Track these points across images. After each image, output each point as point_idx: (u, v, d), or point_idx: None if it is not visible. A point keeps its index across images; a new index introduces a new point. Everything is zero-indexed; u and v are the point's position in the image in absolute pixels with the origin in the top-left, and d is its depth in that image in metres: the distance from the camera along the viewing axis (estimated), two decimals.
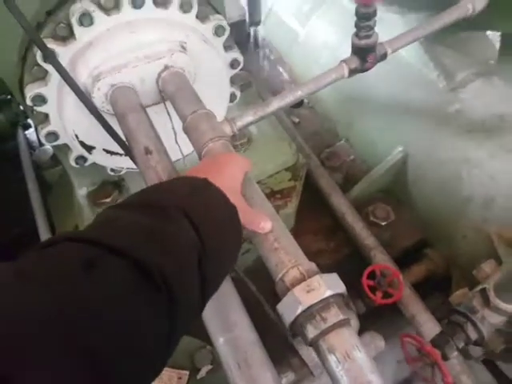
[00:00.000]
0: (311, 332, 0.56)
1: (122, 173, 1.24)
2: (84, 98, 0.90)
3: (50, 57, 0.85)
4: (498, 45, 1.50)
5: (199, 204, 0.58)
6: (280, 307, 0.59)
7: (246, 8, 1.59)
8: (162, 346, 0.47)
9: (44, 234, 1.24)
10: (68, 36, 0.91)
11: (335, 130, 1.86)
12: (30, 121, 1.63)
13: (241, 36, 1.87)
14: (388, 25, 1.55)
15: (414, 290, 1.33)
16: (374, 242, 1.46)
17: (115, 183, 1.30)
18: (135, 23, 0.93)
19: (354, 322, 1.17)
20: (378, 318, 1.33)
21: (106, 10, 0.90)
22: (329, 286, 0.58)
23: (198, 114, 0.84)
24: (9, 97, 1.50)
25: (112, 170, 1.21)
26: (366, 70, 0.93)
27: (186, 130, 0.85)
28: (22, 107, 1.47)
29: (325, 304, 0.56)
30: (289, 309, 0.58)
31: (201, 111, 0.84)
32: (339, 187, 1.63)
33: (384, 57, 0.94)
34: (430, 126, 1.50)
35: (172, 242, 0.51)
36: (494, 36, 1.50)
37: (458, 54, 1.50)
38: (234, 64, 1.14)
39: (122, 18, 0.91)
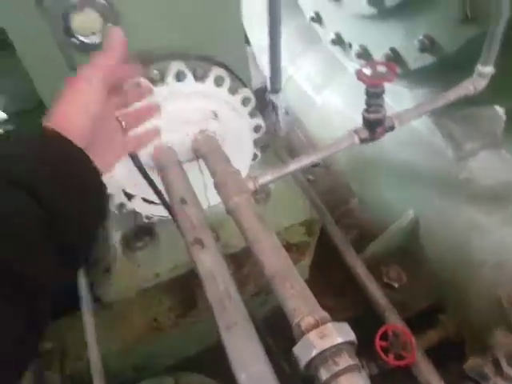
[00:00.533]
0: (324, 374, 0.62)
1: (154, 220, 1.37)
2: (132, 154, 1.06)
3: None
4: (504, 118, 1.63)
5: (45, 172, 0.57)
6: (296, 350, 0.66)
7: (268, 77, 1.78)
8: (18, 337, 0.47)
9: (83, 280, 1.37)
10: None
11: (350, 188, 1.98)
12: None
13: (261, 101, 2.06)
14: (397, 96, 1.73)
15: (426, 356, 1.35)
16: (387, 303, 1.50)
17: (147, 229, 1.43)
18: (177, 94, 1.10)
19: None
20: (391, 380, 1.35)
21: (154, 83, 1.08)
22: (340, 333, 0.64)
23: (227, 172, 0.98)
24: None
25: (146, 217, 1.35)
26: (376, 139, 1.07)
27: (216, 185, 0.98)
28: None
29: (337, 349, 0.63)
30: (304, 351, 0.64)
31: (229, 169, 0.98)
32: (352, 245, 1.72)
33: (392, 128, 1.08)
34: (440, 191, 1.61)
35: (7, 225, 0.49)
36: (501, 110, 1.63)
37: (466, 126, 1.64)
38: (257, 129, 1.30)
39: (165, 89, 1.09)
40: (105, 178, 1.19)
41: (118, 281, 1.41)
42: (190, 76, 1.10)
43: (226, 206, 0.94)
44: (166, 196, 1.08)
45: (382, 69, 0.98)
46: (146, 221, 1.36)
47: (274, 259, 0.80)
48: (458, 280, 1.46)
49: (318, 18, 2.00)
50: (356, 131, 1.07)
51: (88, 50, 1.04)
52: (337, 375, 0.62)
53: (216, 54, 1.18)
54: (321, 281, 1.68)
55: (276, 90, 1.94)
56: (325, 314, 0.70)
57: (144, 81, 1.02)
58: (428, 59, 1.46)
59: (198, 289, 1.44)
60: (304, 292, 0.75)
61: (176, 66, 1.08)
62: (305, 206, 1.57)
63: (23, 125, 1.35)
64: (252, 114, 1.27)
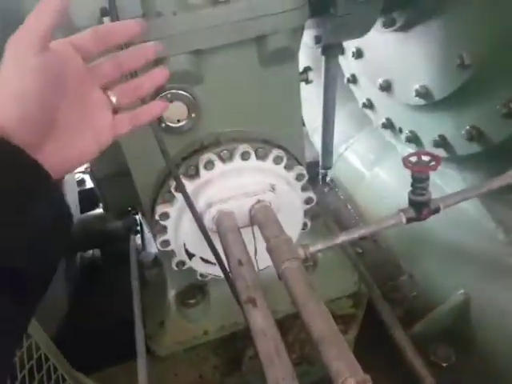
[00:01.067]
0: None
1: (207, 278, 1.50)
2: (198, 219, 1.22)
3: (182, 188, 1.19)
4: None
5: None
6: None
7: (320, 152, 1.94)
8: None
9: (139, 323, 1.49)
10: (194, 175, 1.27)
11: (399, 264, 2.01)
12: (138, 228, 2.03)
13: (312, 173, 2.23)
14: (447, 178, 1.81)
15: None
16: (432, 381, 1.48)
17: (200, 287, 1.56)
18: (241, 170, 1.28)
19: None
20: None
21: (223, 160, 1.26)
22: None
23: (280, 239, 1.10)
24: (129, 209, 1.92)
25: (201, 275, 1.48)
26: (422, 220, 1.15)
27: (268, 250, 1.10)
28: (137, 217, 1.89)
29: None
30: None
31: (282, 237, 1.10)
32: (399, 321, 1.72)
33: (437, 211, 1.16)
34: (491, 274, 1.61)
35: None
36: None
37: None
38: (308, 201, 1.43)
39: (233, 165, 1.27)
40: (171, 237, 1.35)
41: (171, 335, 1.51)
42: (253, 156, 1.28)
43: (277, 271, 1.05)
44: (222, 257, 1.22)
45: (426, 158, 1.09)
46: (199, 278, 1.49)
47: (321, 324, 0.88)
48: (510, 365, 1.42)
49: (369, 105, 2.19)
50: (403, 211, 1.16)
51: (174, 133, 1.26)
52: None
53: (277, 137, 1.36)
54: (366, 356, 1.67)
55: (327, 166, 2.10)
56: (366, 377, 0.77)
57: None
58: (475, 148, 1.56)
59: (244, 350, 1.51)
60: (348, 356, 0.81)
61: (242, 147, 1.27)
62: (353, 278, 1.63)
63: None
64: (304, 188, 1.42)
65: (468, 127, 1.53)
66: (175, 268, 1.45)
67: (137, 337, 1.47)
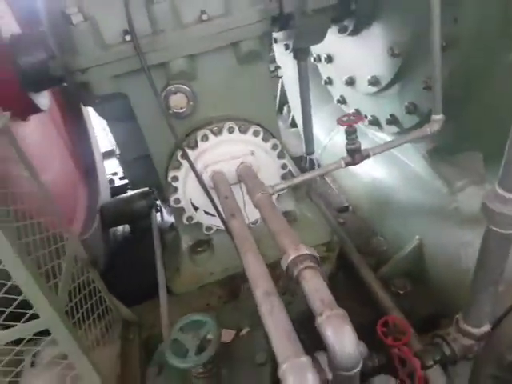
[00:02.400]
0: (295, 271, 1.10)
1: (211, 232, 1.94)
2: (199, 177, 1.68)
3: (186, 155, 1.66)
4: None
5: None
6: (282, 262, 1.15)
7: (303, 141, 2.39)
8: None
9: (161, 272, 1.94)
10: (194, 146, 1.73)
11: (372, 228, 2.40)
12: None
13: (301, 162, 2.69)
14: (406, 151, 2.23)
15: (418, 337, 1.66)
16: (392, 304, 1.85)
17: (206, 241, 2.00)
18: (228, 141, 1.74)
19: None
20: None
21: (215, 134, 1.73)
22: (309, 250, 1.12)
23: (256, 182, 1.54)
24: (149, 189, 2.40)
25: (206, 229, 1.92)
26: (356, 163, 1.59)
27: (248, 190, 1.54)
28: (156, 197, 2.38)
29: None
30: (284, 261, 1.12)
31: (257, 181, 1.55)
32: (373, 270, 2.11)
33: (368, 157, 1.59)
34: (437, 220, 2.00)
35: None
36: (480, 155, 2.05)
37: (456, 168, 2.06)
38: (283, 167, 1.88)
39: (222, 138, 1.73)
40: (180, 196, 1.81)
41: (184, 277, 1.95)
42: (236, 130, 1.74)
43: (253, 201, 1.49)
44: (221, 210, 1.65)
45: (353, 117, 1.54)
46: (206, 233, 1.93)
47: (278, 223, 1.29)
48: (452, 286, 1.79)
49: (342, 100, 2.64)
50: (343, 158, 1.60)
51: (178, 117, 1.74)
52: (301, 270, 1.09)
53: (255, 117, 1.82)
54: (341, 292, 2.05)
55: (310, 152, 2.54)
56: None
57: None
58: (415, 119, 1.98)
59: (241, 284, 1.92)
60: (289, 232, 1.22)
61: (228, 124, 1.73)
62: (326, 231, 2.04)
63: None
64: (279, 156, 1.86)
65: (407, 103, 1.96)
66: (185, 222, 1.89)
67: (159, 280, 1.92)
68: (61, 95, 2.55)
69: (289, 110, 3.54)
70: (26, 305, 1.19)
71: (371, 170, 2.51)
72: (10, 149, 1.25)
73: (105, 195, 2.60)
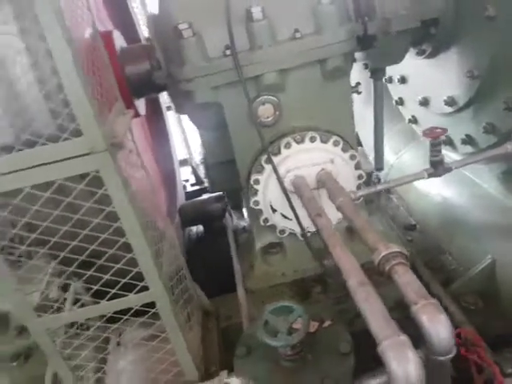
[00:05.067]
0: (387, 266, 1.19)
1: (284, 235, 2.04)
2: (281, 181, 1.81)
3: (270, 159, 1.80)
4: None
5: None
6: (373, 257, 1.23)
7: (374, 156, 2.47)
8: None
9: (238, 273, 2.07)
10: (277, 152, 1.87)
11: (440, 246, 2.40)
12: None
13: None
14: (477, 171, 2.25)
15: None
16: (464, 319, 1.85)
17: (279, 244, 2.11)
18: (309, 149, 1.86)
19: None
20: None
21: (297, 142, 1.86)
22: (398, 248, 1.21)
23: (337, 186, 1.64)
24: (222, 193, 2.57)
25: (280, 232, 2.03)
26: (439, 175, 1.65)
27: (329, 192, 1.64)
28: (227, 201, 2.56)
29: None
30: (375, 256, 1.21)
31: (338, 185, 1.65)
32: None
33: (450, 170, 1.65)
34: (511, 240, 1.99)
35: None
36: None
37: None
38: (359, 177, 1.96)
39: (304, 146, 1.86)
40: (260, 198, 1.94)
41: (257, 276, 2.06)
42: (318, 139, 1.87)
43: (335, 204, 1.59)
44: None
45: (438, 130, 1.61)
46: (279, 235, 2.04)
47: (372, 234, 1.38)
48: None
49: (414, 120, 2.70)
50: (425, 169, 1.66)
51: (265, 126, 1.88)
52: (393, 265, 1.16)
53: (335, 129, 1.94)
54: None
55: (379, 168, 2.61)
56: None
57: None
58: (492, 139, 2.00)
59: (312, 288, 2.00)
60: (376, 231, 1.31)
61: (310, 134, 1.86)
62: (398, 244, 2.08)
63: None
64: (356, 167, 1.95)
65: (484, 123, 2.00)
66: (262, 224, 2.02)
67: (236, 274, 2.05)
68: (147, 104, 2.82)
69: None
70: (137, 278, 1.35)
71: (441, 190, 2.53)
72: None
73: (181, 198, 2.80)
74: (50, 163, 1.14)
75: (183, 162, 3.35)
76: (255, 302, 1.98)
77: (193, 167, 3.35)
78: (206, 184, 3.26)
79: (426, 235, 2.56)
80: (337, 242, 1.34)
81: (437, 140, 1.61)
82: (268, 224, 2.02)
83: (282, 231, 2.04)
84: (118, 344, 1.90)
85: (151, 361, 1.54)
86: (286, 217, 1.96)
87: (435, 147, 1.63)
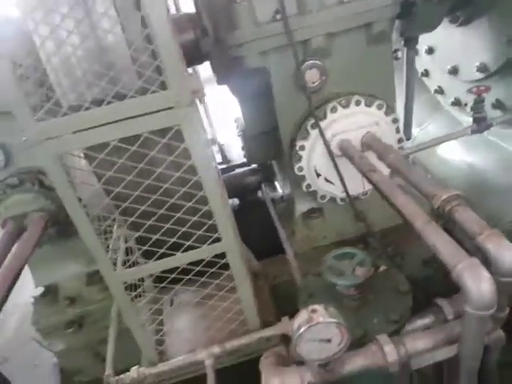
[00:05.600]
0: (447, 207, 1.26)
1: (325, 201, 2.11)
2: (327, 145, 1.86)
3: (317, 123, 1.85)
4: None
5: None
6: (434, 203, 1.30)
7: (402, 125, 2.52)
8: None
9: (283, 235, 2.15)
10: (323, 117, 1.92)
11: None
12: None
13: None
14: (507, 137, 2.32)
15: None
16: None
17: (319, 209, 2.17)
18: (355, 113, 1.92)
19: None
20: None
21: (343, 106, 1.91)
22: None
23: (383, 143, 1.70)
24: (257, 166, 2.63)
25: (321, 197, 2.09)
26: (482, 131, 1.71)
27: (389, 164, 1.69)
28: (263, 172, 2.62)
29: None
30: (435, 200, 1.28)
31: (384, 143, 1.71)
32: None
33: (491, 126, 1.72)
34: None
35: None
36: None
37: None
38: (399, 140, 2.02)
39: (349, 110, 1.91)
40: (304, 164, 2.00)
41: (299, 239, 2.14)
42: (363, 103, 1.92)
43: (386, 162, 1.65)
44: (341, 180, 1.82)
45: (482, 88, 1.68)
46: (320, 201, 2.11)
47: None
48: None
49: (440, 90, 2.76)
50: (469, 126, 1.73)
51: (311, 91, 1.93)
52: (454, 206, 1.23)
53: (378, 93, 1.99)
54: None
55: (408, 137, 2.66)
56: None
57: None
58: None
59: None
60: (431, 180, 1.38)
61: (355, 98, 1.91)
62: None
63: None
64: (397, 130, 2.01)
65: None
66: (304, 189, 2.08)
67: (281, 237, 2.12)
68: None
69: None
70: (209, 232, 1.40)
71: (467, 156, 2.60)
72: None
73: None
74: (137, 116, 1.18)
75: (210, 142, 3.39)
76: (300, 264, 2.05)
77: (219, 146, 3.39)
78: (232, 163, 3.31)
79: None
80: (397, 191, 1.41)
81: (480, 97, 1.68)
82: (310, 189, 2.08)
83: (323, 196, 2.10)
84: (174, 304, 1.96)
85: (215, 310, 1.60)
86: (329, 181, 2.02)
87: (478, 104, 1.69)
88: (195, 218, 1.36)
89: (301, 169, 2.03)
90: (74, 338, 2.13)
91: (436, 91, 2.78)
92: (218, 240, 1.41)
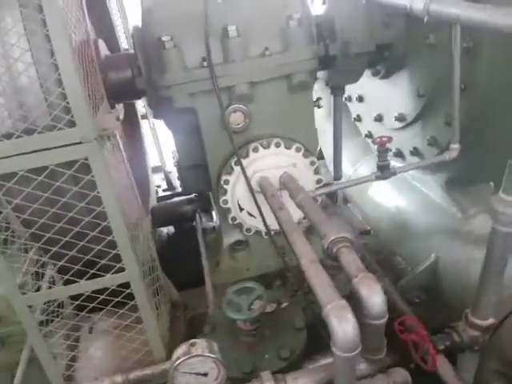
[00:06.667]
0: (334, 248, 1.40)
1: (250, 234, 2.22)
2: (248, 181, 2.00)
3: (240, 162, 1.99)
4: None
5: None
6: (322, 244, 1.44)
7: (332, 167, 2.71)
8: None
9: (206, 267, 2.23)
10: (246, 156, 2.07)
11: (392, 249, 2.65)
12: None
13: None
14: (424, 182, 2.52)
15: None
16: (408, 309, 2.08)
17: (245, 241, 2.29)
18: (274, 153, 2.07)
19: None
20: None
21: (264, 147, 2.06)
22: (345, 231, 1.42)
23: (297, 184, 1.85)
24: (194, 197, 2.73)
25: (246, 230, 2.21)
26: (385, 178, 1.88)
27: (297, 203, 1.83)
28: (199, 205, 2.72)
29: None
30: (324, 242, 1.42)
31: (298, 184, 1.86)
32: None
33: (394, 173, 1.89)
34: (451, 240, 2.25)
35: None
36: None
37: (470, 197, 2.34)
38: (318, 181, 2.18)
39: (270, 151, 2.07)
40: (229, 197, 2.12)
41: (224, 271, 2.22)
42: (282, 145, 2.08)
43: (295, 202, 1.79)
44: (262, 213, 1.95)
45: (384, 139, 1.86)
46: (245, 233, 2.22)
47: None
48: (462, 296, 2.01)
49: (370, 135, 2.98)
50: (374, 173, 1.90)
51: (235, 131, 2.08)
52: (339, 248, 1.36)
53: (298, 137, 2.16)
54: None
55: (338, 177, 2.85)
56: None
57: None
58: (434, 151, 2.28)
59: (273, 281, 2.18)
60: (329, 222, 1.52)
61: (276, 140, 2.07)
62: None
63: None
64: (316, 172, 2.18)
65: (428, 137, 2.28)
66: (230, 222, 2.19)
67: (204, 267, 2.20)
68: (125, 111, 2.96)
69: None
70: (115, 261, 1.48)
71: (393, 198, 2.80)
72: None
73: (153, 202, 2.94)
74: (45, 149, 1.28)
75: (156, 169, 3.49)
76: (220, 295, 2.13)
77: (165, 173, 3.49)
78: (177, 189, 3.42)
79: (379, 239, 2.82)
80: (294, 229, 1.54)
81: (383, 147, 1.86)
82: (235, 222, 2.19)
83: (248, 229, 2.22)
84: (90, 332, 2.00)
85: (122, 340, 1.65)
86: (251, 215, 2.15)
87: (382, 153, 1.87)
88: (99, 247, 1.43)
89: (226, 202, 2.15)
90: None
91: (366, 135, 3.00)
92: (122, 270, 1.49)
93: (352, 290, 1.26)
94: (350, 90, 2.99)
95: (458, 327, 1.65)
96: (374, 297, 1.20)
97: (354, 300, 1.24)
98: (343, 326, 1.14)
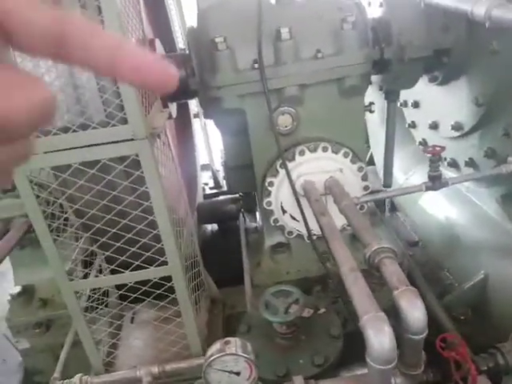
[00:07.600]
0: (376, 258, 1.36)
1: (292, 237, 2.21)
2: (292, 184, 1.99)
3: (285, 165, 1.98)
4: None
5: None
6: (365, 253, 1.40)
7: (382, 173, 2.63)
8: None
9: (247, 266, 2.24)
10: (292, 159, 2.06)
11: (439, 262, 2.54)
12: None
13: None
14: (479, 194, 2.39)
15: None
16: (452, 327, 1.98)
17: (287, 244, 2.28)
18: (321, 157, 2.05)
19: None
20: None
21: (310, 151, 2.04)
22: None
23: (342, 190, 1.81)
24: (239, 195, 2.76)
25: (288, 233, 2.20)
26: (436, 189, 1.80)
27: (341, 209, 1.80)
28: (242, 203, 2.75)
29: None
30: (367, 251, 1.39)
31: (344, 191, 1.82)
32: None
33: (446, 184, 1.81)
34: (503, 258, 2.12)
35: None
36: None
37: None
38: (365, 188, 2.13)
39: (316, 154, 2.04)
40: (273, 199, 2.13)
41: (264, 272, 2.23)
42: (330, 149, 2.05)
43: (339, 208, 1.76)
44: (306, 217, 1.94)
45: (438, 149, 1.78)
46: (287, 236, 2.21)
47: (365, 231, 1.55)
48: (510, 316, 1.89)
49: (424, 143, 2.86)
50: (424, 183, 1.82)
51: (283, 134, 2.08)
52: (382, 258, 1.33)
53: (347, 142, 2.12)
54: None
55: (388, 185, 2.77)
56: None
57: None
58: (492, 163, 2.15)
59: (313, 286, 2.15)
60: (372, 230, 1.48)
61: (323, 144, 2.05)
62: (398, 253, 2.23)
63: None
64: (363, 178, 2.12)
65: (486, 148, 2.15)
66: (272, 223, 2.19)
67: (244, 267, 2.22)
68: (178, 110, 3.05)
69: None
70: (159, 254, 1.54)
71: (445, 210, 2.67)
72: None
73: (199, 199, 3.01)
74: (98, 144, 1.35)
75: (205, 167, 3.57)
76: (259, 295, 2.14)
77: (213, 172, 3.56)
78: (223, 188, 3.48)
79: (426, 251, 2.70)
80: (335, 236, 1.51)
81: (436, 156, 1.78)
82: (278, 224, 2.19)
83: (290, 232, 2.21)
84: (132, 321, 2.08)
85: (161, 331, 1.71)
86: (294, 218, 2.14)
87: (434, 163, 1.79)
88: (145, 240, 1.49)
89: (269, 203, 2.15)
90: (39, 339, 2.26)
91: (420, 143, 2.88)
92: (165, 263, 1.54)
93: (392, 302, 1.23)
94: (406, 95, 2.89)
95: (503, 348, 1.54)
96: (414, 311, 1.16)
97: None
98: (380, 337, 1.11)
